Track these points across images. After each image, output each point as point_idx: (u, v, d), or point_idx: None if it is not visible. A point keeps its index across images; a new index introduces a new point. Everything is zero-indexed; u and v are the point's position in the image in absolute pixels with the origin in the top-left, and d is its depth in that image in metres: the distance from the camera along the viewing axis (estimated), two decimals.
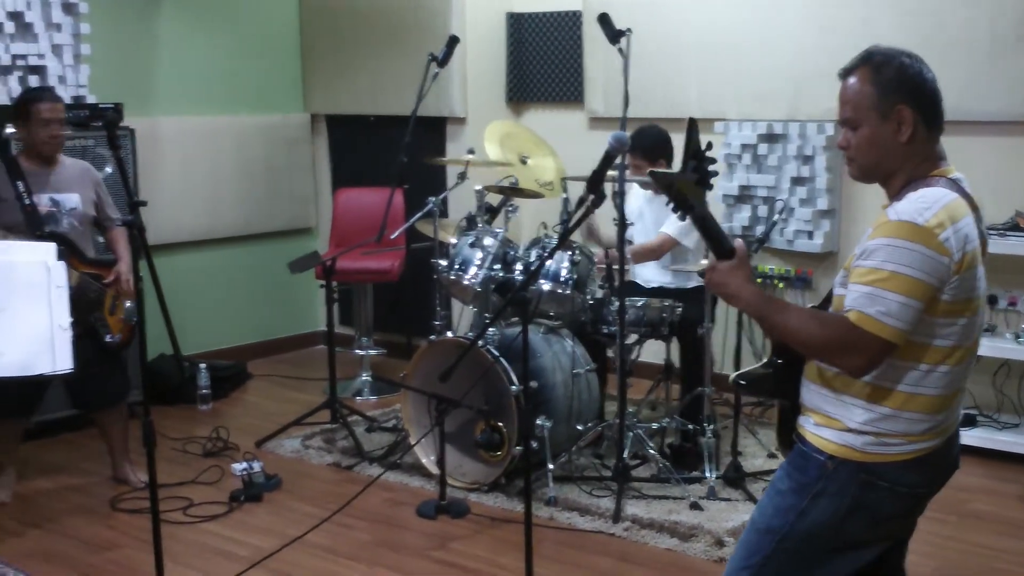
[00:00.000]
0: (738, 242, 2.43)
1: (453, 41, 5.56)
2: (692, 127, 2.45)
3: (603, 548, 4.29)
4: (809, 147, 5.72)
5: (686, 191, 2.39)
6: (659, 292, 5.27)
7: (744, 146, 5.93)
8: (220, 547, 4.36)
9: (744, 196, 5.98)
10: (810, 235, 5.80)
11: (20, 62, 5.67)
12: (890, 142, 2.40)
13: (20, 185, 4.58)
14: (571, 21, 6.63)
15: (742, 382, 2.68)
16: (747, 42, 5.91)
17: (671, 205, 2.43)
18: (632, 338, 5.10)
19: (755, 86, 5.89)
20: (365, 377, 6.47)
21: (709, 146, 2.44)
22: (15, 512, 4.68)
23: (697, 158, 2.40)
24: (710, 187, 2.44)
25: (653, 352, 5.54)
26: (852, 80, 2.43)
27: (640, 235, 5.25)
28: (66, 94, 5.65)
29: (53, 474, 5.17)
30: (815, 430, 2.46)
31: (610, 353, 5.19)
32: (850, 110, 2.43)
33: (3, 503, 4.75)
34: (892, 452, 2.39)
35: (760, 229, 5.71)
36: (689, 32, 6.10)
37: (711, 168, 2.43)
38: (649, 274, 5.42)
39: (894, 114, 2.38)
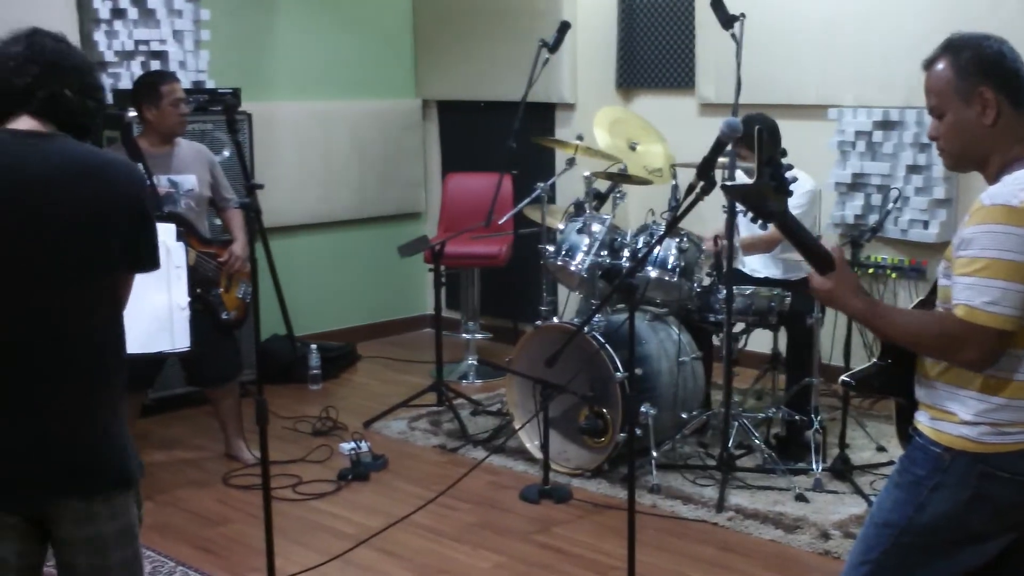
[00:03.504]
0: (835, 251, 2.41)
1: (564, 27, 5.56)
2: (761, 136, 2.42)
3: (706, 537, 4.27)
4: (926, 135, 5.58)
5: (764, 200, 2.36)
6: (767, 281, 5.21)
7: (858, 133, 5.81)
8: (327, 524, 4.45)
9: (857, 184, 5.87)
10: (925, 225, 5.68)
11: (142, 47, 5.84)
12: (975, 126, 2.36)
13: (140, 166, 4.72)
14: (683, 6, 6.57)
15: (851, 383, 2.64)
16: (863, 27, 5.79)
17: (750, 215, 2.40)
18: (739, 327, 5.06)
19: (871, 72, 5.76)
20: (471, 361, 6.53)
21: (784, 152, 2.41)
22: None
23: (771, 165, 2.37)
24: (790, 193, 2.41)
25: (760, 341, 5.48)
26: (934, 68, 2.40)
27: (747, 224, 5.18)
28: (186, 79, 5.80)
29: (168, 449, 5.33)
30: (931, 423, 2.42)
31: (716, 341, 5.15)
32: (934, 98, 2.40)
33: None
34: (1009, 441, 2.34)
35: (873, 218, 5.60)
36: (803, 17, 6.00)
37: (788, 174, 2.40)
38: (757, 263, 5.36)
39: (975, 97, 2.34)
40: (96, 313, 2.32)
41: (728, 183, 4.26)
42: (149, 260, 2.40)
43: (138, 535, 2.44)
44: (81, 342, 2.30)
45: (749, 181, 2.38)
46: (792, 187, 2.46)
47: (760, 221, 2.41)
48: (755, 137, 2.40)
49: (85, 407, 2.31)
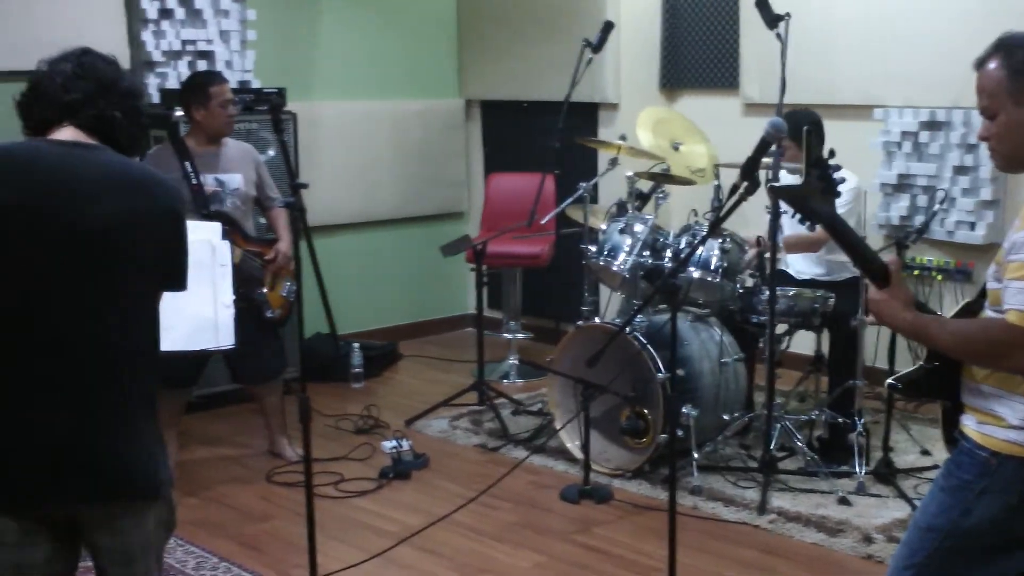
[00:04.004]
0: (892, 263, 2.39)
1: (608, 27, 5.55)
2: (810, 136, 2.40)
3: (747, 539, 4.25)
4: (973, 135, 5.52)
5: (812, 201, 2.35)
6: (811, 283, 5.17)
7: (904, 133, 5.76)
8: (369, 522, 4.47)
9: (903, 185, 5.82)
10: (972, 226, 5.61)
11: (189, 47, 5.90)
12: None
13: (188, 166, 4.76)
14: (728, 5, 6.54)
15: (897, 386, 2.62)
16: (910, 26, 5.73)
17: (797, 217, 2.39)
18: (782, 328, 5.03)
19: (918, 72, 5.71)
20: (512, 360, 6.53)
21: (832, 153, 2.39)
22: (175, 481, 4.87)
23: (819, 166, 2.35)
24: (837, 194, 2.39)
25: (803, 343, 5.45)
26: (985, 68, 2.37)
27: (790, 226, 5.15)
28: (233, 79, 5.85)
29: (212, 446, 5.38)
30: (977, 428, 2.40)
31: (759, 343, 5.12)
32: (986, 99, 2.37)
33: None
34: None
35: (919, 219, 5.55)
36: (849, 16, 5.95)
37: (837, 174, 2.38)
38: (801, 264, 5.32)
39: None
40: (132, 321, 2.34)
41: (775, 183, 4.24)
42: (176, 279, 2.44)
43: (159, 542, 2.46)
44: (116, 349, 2.31)
45: (796, 181, 2.36)
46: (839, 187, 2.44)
47: (808, 223, 2.39)
48: (803, 138, 2.39)
49: (118, 414, 2.32)
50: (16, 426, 2.24)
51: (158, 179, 2.40)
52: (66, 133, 2.31)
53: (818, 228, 4.93)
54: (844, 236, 2.39)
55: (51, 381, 2.25)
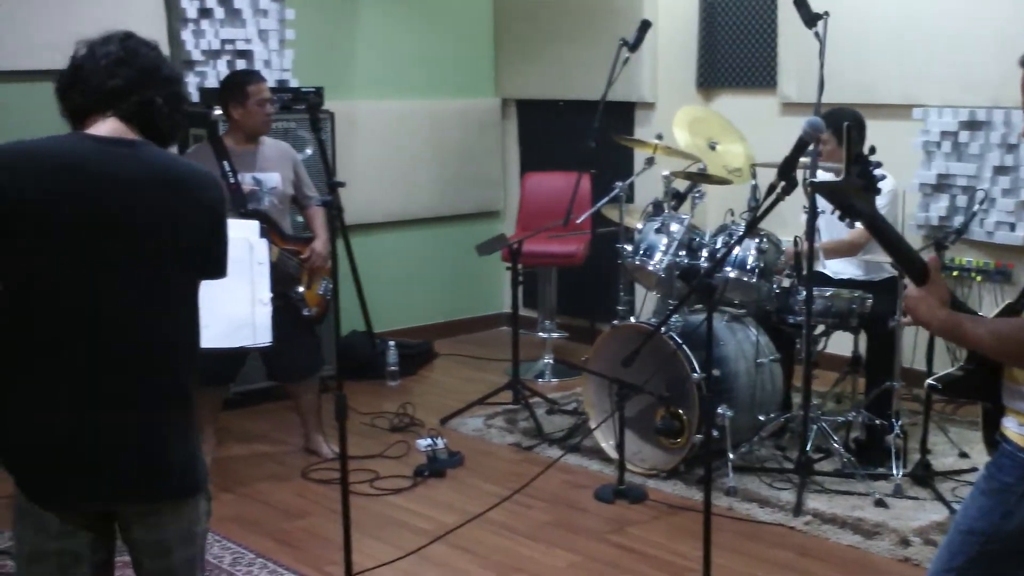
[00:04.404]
0: (931, 261, 2.37)
1: (645, 25, 5.54)
2: (850, 133, 2.39)
3: (782, 541, 4.23)
4: (1014, 135, 5.47)
5: (852, 198, 2.33)
6: (848, 283, 5.14)
7: (944, 133, 5.71)
8: (404, 520, 4.49)
9: (942, 185, 5.77)
10: (1012, 227, 5.55)
11: (228, 47, 5.94)
12: None
13: (226, 165, 4.79)
14: (766, 4, 6.51)
15: (938, 386, 2.60)
16: (949, 25, 5.68)
17: (837, 214, 2.37)
18: (819, 329, 5.00)
19: (957, 71, 5.66)
20: (547, 360, 6.54)
21: (872, 150, 2.37)
22: (212, 477, 4.84)
23: (860, 163, 2.33)
24: (878, 192, 2.37)
25: (840, 344, 5.41)
26: None
27: (826, 226, 5.11)
28: (271, 78, 5.89)
29: (249, 442, 5.42)
30: (1019, 430, 2.38)
31: (796, 343, 5.09)
32: None
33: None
34: None
35: (959, 220, 5.51)
36: (888, 15, 5.91)
37: (876, 172, 2.36)
38: (838, 265, 5.29)
39: None
40: (173, 317, 2.35)
41: (815, 180, 4.21)
42: (216, 269, 2.45)
43: (200, 535, 2.47)
44: (157, 346, 2.32)
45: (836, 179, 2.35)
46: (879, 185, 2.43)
47: (847, 220, 2.38)
48: (844, 135, 2.37)
49: (157, 412, 2.33)
50: (55, 424, 2.26)
51: (199, 176, 2.41)
52: (108, 126, 2.30)
53: (856, 229, 4.97)
54: (884, 234, 2.37)
55: (90, 379, 2.26)
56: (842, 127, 4.81)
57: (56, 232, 2.23)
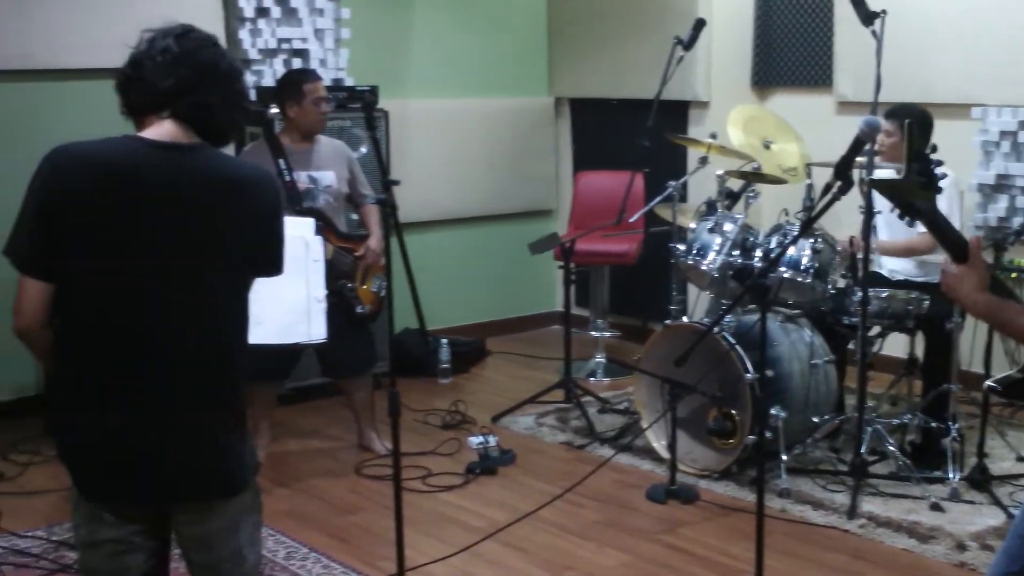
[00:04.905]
0: (971, 240, 2.34)
1: (700, 24, 5.52)
2: (911, 130, 2.37)
3: (836, 544, 4.20)
4: None
5: (913, 196, 2.31)
6: (905, 284, 5.08)
7: (1003, 133, 5.63)
8: (456, 517, 4.51)
9: (1001, 186, 5.69)
10: None
11: (285, 46, 6.00)
12: None
13: (282, 163, 4.84)
14: (822, 2, 6.45)
15: (998, 388, 2.57)
16: (1009, 23, 5.60)
17: (896, 212, 2.35)
18: (874, 330, 4.95)
19: (1017, 70, 5.57)
20: (599, 359, 6.53)
21: (934, 148, 2.34)
22: (267, 472, 4.95)
23: (921, 160, 2.31)
24: (939, 190, 2.34)
25: (896, 345, 5.36)
26: None
27: (885, 225, 5.06)
28: (327, 77, 5.93)
29: (303, 438, 5.46)
30: None
31: (851, 345, 5.05)
32: None
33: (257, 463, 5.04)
34: None
35: (1018, 220, 5.43)
36: (946, 13, 5.84)
37: (938, 170, 2.33)
38: (895, 265, 5.23)
39: None
40: (224, 319, 2.37)
41: (874, 177, 4.17)
42: (272, 266, 2.46)
43: (247, 527, 2.47)
44: (207, 344, 2.34)
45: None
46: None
47: (907, 219, 2.35)
48: (905, 131, 2.35)
49: (206, 409, 2.35)
50: (104, 424, 2.28)
51: (253, 178, 2.41)
52: (163, 129, 2.31)
53: (917, 236, 4.89)
54: (942, 232, 2.35)
55: (139, 380, 2.29)
56: (903, 119, 4.81)
57: (108, 236, 2.25)
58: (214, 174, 2.34)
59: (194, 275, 2.31)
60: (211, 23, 5.75)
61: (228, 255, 2.34)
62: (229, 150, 5.92)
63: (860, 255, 4.61)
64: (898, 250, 5.07)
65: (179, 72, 2.29)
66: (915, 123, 2.44)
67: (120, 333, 2.28)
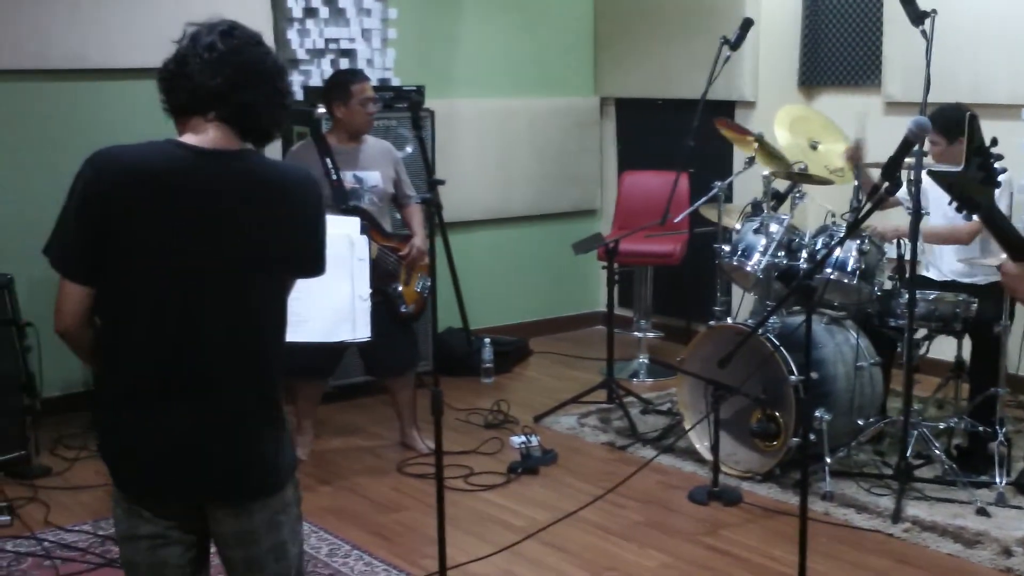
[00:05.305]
0: None
1: (747, 24, 5.49)
2: (973, 123, 2.34)
3: (880, 548, 4.16)
4: None
5: (971, 190, 2.29)
6: (952, 286, 5.03)
7: None
8: (497, 516, 4.52)
9: None
10: None
11: (332, 46, 6.04)
12: None
13: (328, 162, 4.87)
14: (871, 2, 6.40)
15: None
16: None
17: (954, 205, 2.33)
18: (921, 332, 4.91)
19: None
20: (642, 359, 6.52)
21: (994, 142, 2.32)
22: (311, 469, 5.00)
23: (981, 155, 2.28)
24: (997, 185, 2.32)
25: (943, 348, 5.30)
26: None
27: (939, 214, 4.97)
28: (373, 77, 5.97)
29: (346, 436, 5.50)
30: None
31: (897, 347, 5.00)
32: None
33: (301, 460, 5.07)
34: None
35: None
36: (997, 13, 5.77)
37: (997, 165, 2.31)
38: (943, 266, 5.18)
39: None
40: (260, 319, 2.37)
41: (934, 169, 4.13)
42: (314, 267, 2.46)
43: (287, 523, 2.46)
44: (246, 347, 2.34)
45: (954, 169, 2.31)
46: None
47: (963, 212, 2.33)
48: (966, 125, 2.33)
49: (245, 411, 2.35)
50: (144, 424, 2.30)
51: (297, 182, 2.41)
52: (209, 135, 2.30)
53: (971, 222, 4.83)
54: (997, 226, 2.32)
55: (178, 381, 2.29)
56: (949, 127, 4.77)
57: (147, 241, 2.25)
58: (256, 179, 2.34)
59: (233, 278, 2.31)
60: (260, 23, 5.81)
61: (268, 258, 2.34)
62: (275, 149, 6.01)
63: (907, 256, 4.57)
64: (940, 236, 5.00)
65: (224, 71, 2.27)
66: (975, 117, 2.41)
67: (159, 334, 2.28)
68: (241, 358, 2.34)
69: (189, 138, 2.32)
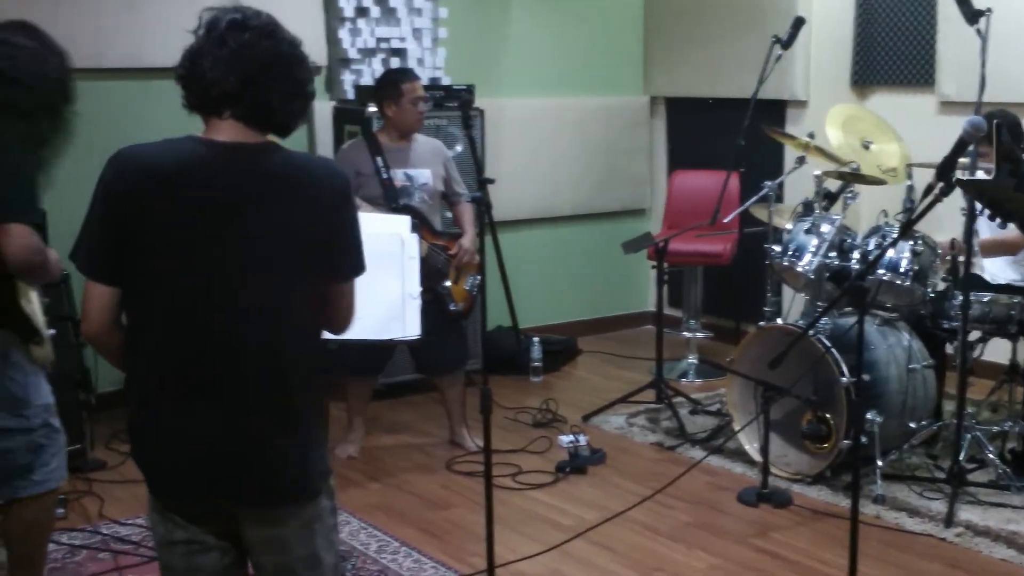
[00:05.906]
0: None
1: (799, 22, 5.46)
2: (1000, 130, 2.31)
3: (932, 552, 4.12)
4: None
5: (1003, 197, 2.26)
6: (1007, 288, 4.96)
7: None
8: (545, 515, 4.52)
9: None
10: None
11: (383, 45, 6.08)
12: None
13: (379, 160, 4.91)
14: (925, 0, 6.33)
15: None
16: None
17: (986, 212, 2.30)
18: (975, 335, 4.85)
19: None
20: (691, 359, 6.49)
21: None
22: (361, 466, 5.04)
23: (1011, 161, 2.25)
24: None
25: (997, 351, 5.23)
26: None
27: (987, 227, 4.94)
28: (424, 76, 6.00)
29: (396, 433, 5.53)
30: None
31: (950, 349, 4.95)
32: None
33: (352, 457, 5.12)
34: None
35: None
36: None
37: None
38: (997, 269, 5.11)
39: None
40: (291, 320, 2.31)
41: (962, 178, 4.09)
42: (353, 267, 2.38)
43: (321, 532, 2.41)
44: (276, 349, 2.29)
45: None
46: None
47: (998, 219, 2.31)
48: (993, 132, 2.30)
49: (277, 417, 2.30)
50: (172, 427, 2.28)
51: (319, 175, 2.33)
52: (226, 129, 2.27)
53: (1011, 228, 4.79)
54: None
55: (212, 383, 2.27)
56: (997, 123, 4.71)
57: (170, 239, 2.24)
58: (279, 173, 2.29)
59: (259, 276, 2.26)
60: (312, 23, 5.86)
61: (289, 254, 2.28)
62: (327, 147, 6.05)
63: (961, 258, 4.52)
64: (988, 246, 4.95)
65: (235, 71, 2.23)
66: (1003, 125, 2.38)
67: (185, 335, 2.26)
68: (269, 359, 2.28)
69: (210, 133, 2.30)
